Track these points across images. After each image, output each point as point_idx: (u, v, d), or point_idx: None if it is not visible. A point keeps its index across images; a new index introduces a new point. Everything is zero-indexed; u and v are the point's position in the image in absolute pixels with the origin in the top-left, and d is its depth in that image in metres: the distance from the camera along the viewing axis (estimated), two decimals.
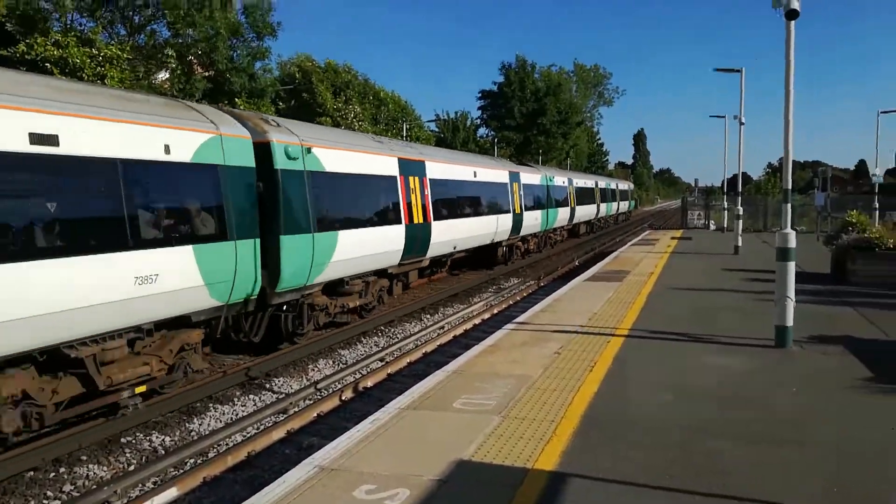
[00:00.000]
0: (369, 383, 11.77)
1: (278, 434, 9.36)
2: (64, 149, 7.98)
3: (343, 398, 10.94)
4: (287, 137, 12.43)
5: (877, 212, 32.43)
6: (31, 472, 7.85)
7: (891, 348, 10.24)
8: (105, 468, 8.24)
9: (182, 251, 9.69)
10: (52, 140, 7.85)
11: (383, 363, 12.94)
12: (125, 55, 24.13)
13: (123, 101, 9.41)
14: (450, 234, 19.76)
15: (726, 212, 38.18)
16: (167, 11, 26.03)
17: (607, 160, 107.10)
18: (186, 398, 10.33)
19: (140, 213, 9.13)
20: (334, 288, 14.26)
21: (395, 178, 16.82)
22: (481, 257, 25.66)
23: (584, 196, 42.93)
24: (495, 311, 18.68)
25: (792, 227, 10.39)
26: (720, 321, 12.02)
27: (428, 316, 17.95)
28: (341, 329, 14.95)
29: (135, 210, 9.01)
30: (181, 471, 8.13)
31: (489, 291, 22.35)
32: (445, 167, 20.40)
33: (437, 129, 62.90)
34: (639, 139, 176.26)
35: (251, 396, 11.00)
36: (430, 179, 18.70)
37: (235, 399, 10.83)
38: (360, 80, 47.72)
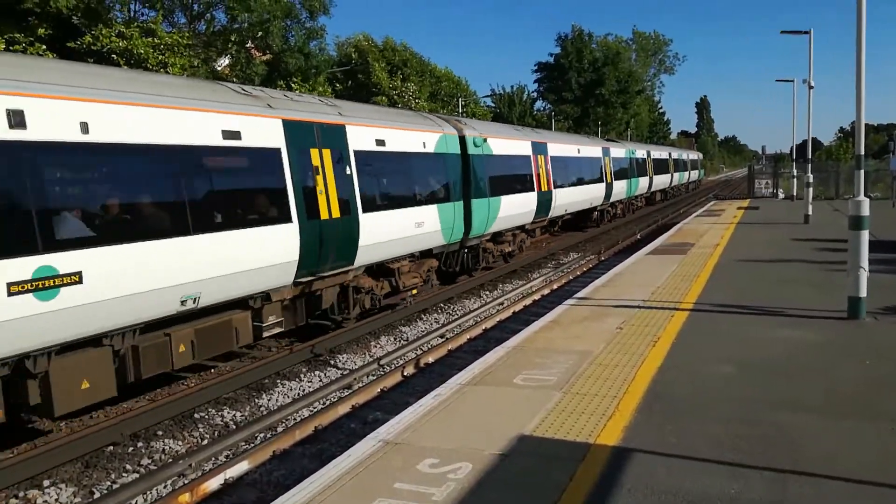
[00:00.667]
0: (430, 359, 11.90)
1: (344, 409, 9.57)
2: (390, 147, 13.77)
3: (405, 374, 11.10)
4: (473, 132, 17.68)
5: None
6: (112, 447, 8.25)
7: None
8: (180, 442, 8.60)
9: (432, 208, 15.11)
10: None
11: (444, 339, 13.05)
12: (185, 41, 24.70)
13: (403, 117, 15.49)
14: (565, 199, 24.65)
15: (795, 179, 36.81)
16: None
17: (669, 129, 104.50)
18: (255, 375, 10.66)
19: (416, 184, 14.78)
20: (496, 238, 19.58)
21: (529, 156, 21.62)
22: (581, 219, 30.61)
23: (660, 167, 46.49)
24: (555, 287, 18.57)
25: (866, 194, 9.97)
26: (789, 293, 11.66)
27: (487, 292, 17.98)
28: (398, 309, 15.14)
29: (414, 183, 14.72)
30: (252, 445, 8.42)
31: (548, 267, 22.21)
32: (560, 146, 25.24)
33: (493, 105, 62.44)
34: (702, 107, 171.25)
35: (317, 373, 11.27)
36: (550, 157, 23.40)
37: (302, 375, 11.11)
38: (417, 58, 47.68)
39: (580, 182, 27.21)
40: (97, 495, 7.19)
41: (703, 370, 7.54)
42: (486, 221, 17.81)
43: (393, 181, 13.98)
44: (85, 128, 7.59)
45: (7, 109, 6.89)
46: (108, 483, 7.54)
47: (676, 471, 5.09)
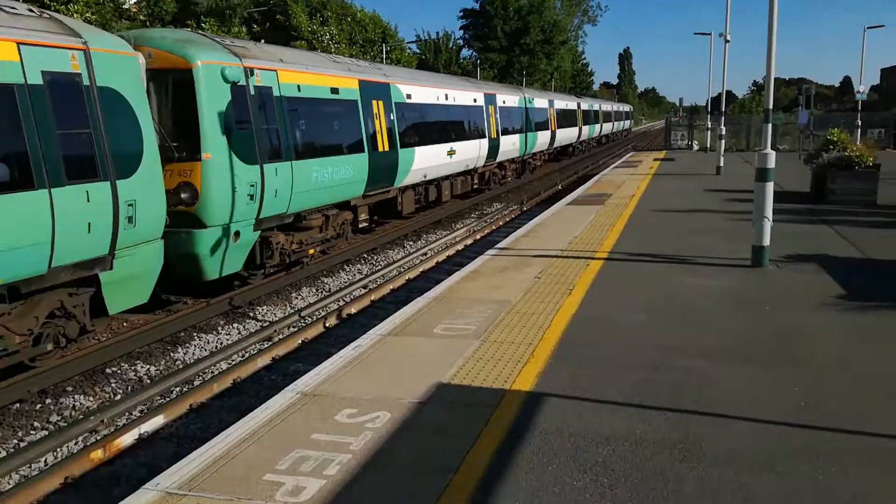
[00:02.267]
0: (353, 310, 11.88)
1: (263, 361, 9.48)
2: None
3: (327, 325, 11.06)
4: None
5: (858, 129, 32.40)
6: (18, 404, 7.94)
7: (864, 266, 10.44)
8: (91, 398, 8.35)
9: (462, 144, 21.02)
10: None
11: (367, 290, 13.03)
12: None
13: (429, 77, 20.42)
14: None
15: (709, 132, 38.01)
16: None
17: (592, 80, 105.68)
18: (170, 328, 10.39)
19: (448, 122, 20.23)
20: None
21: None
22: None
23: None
24: (478, 237, 18.75)
25: (774, 147, 10.38)
26: (698, 242, 12.14)
27: (411, 243, 17.99)
28: (329, 256, 14.97)
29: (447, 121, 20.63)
30: (167, 399, 8.26)
31: (472, 217, 22.36)
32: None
33: (418, 51, 61.47)
34: (624, 58, 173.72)
35: (235, 325, 11.09)
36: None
37: (220, 328, 10.91)
38: (339, 1, 46.20)
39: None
40: (3, 454, 6.93)
41: (615, 317, 7.80)
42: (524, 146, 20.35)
43: (426, 123, 19.65)
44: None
45: None
46: (15, 441, 7.27)
47: (587, 413, 5.29)
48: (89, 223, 8.17)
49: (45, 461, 6.85)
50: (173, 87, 10.93)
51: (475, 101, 24.85)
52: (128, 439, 7.20)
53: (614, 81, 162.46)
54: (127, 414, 7.84)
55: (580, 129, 45.96)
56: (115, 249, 8.62)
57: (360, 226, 16.30)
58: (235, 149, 11.16)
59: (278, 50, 14.45)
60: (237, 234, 11.31)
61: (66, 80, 8.11)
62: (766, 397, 5.60)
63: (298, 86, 13.30)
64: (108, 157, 8.47)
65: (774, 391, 5.72)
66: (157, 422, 7.59)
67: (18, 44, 7.56)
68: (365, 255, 16.11)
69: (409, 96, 18.91)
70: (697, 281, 9.42)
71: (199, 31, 14.29)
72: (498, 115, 27.00)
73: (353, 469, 4.50)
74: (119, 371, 9.10)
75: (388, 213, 18.59)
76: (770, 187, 10.09)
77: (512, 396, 5.62)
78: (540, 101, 35.30)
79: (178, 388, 8.58)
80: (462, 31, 73.42)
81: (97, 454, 6.86)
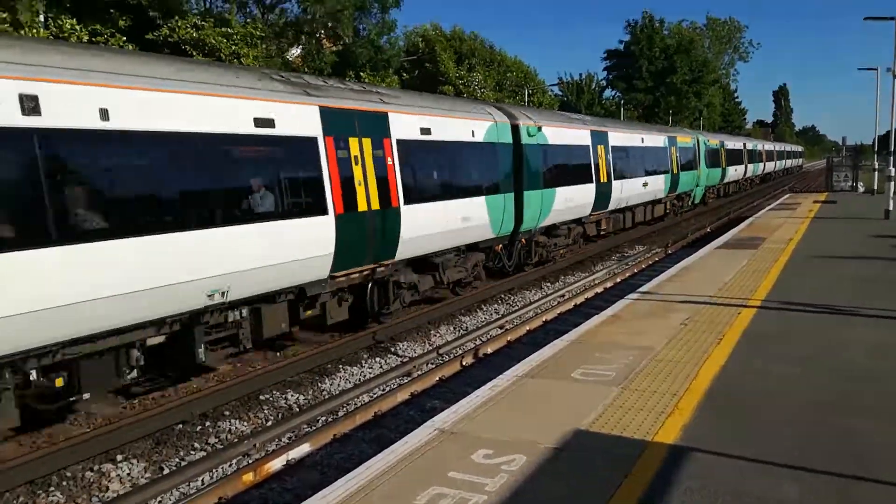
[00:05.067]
0: (489, 350, 11.93)
1: (402, 396, 9.71)
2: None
3: (464, 363, 11.17)
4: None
5: None
6: (181, 425, 8.60)
7: None
8: (245, 423, 8.90)
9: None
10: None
11: (503, 330, 13.06)
12: (258, 33, 25.29)
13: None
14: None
15: (877, 172, 35.10)
16: None
17: (745, 119, 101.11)
18: (318, 360, 10.91)
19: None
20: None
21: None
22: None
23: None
24: (618, 280, 18.29)
25: None
26: (866, 292, 11.18)
27: (548, 284, 17.86)
28: (462, 296, 15.20)
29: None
30: (313, 427, 8.64)
31: (612, 259, 21.90)
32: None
33: (560, 93, 61.70)
34: (780, 95, 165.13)
35: (377, 359, 11.46)
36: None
37: (363, 361, 11.31)
38: (486, 48, 47.49)
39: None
40: (166, 471, 7.52)
41: (769, 370, 7.32)
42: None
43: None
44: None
45: None
46: (177, 460, 7.87)
47: (736, 472, 4.98)
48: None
49: (203, 480, 7.35)
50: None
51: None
52: (277, 464, 7.58)
53: (769, 119, 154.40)
54: (276, 440, 8.27)
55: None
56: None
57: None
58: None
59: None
60: None
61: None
62: None
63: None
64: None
65: None
66: (303, 449, 7.94)
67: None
68: (502, 296, 16.17)
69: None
70: (865, 334, 8.66)
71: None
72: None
73: None
74: (271, 398, 9.65)
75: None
76: None
77: (654, 449, 5.40)
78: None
79: (323, 418, 8.96)
80: (605, 73, 72.98)
81: (248, 477, 7.27)
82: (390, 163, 11.70)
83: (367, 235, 11.14)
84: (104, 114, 7.34)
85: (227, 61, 22.72)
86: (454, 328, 13.56)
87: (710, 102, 76.87)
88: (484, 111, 15.82)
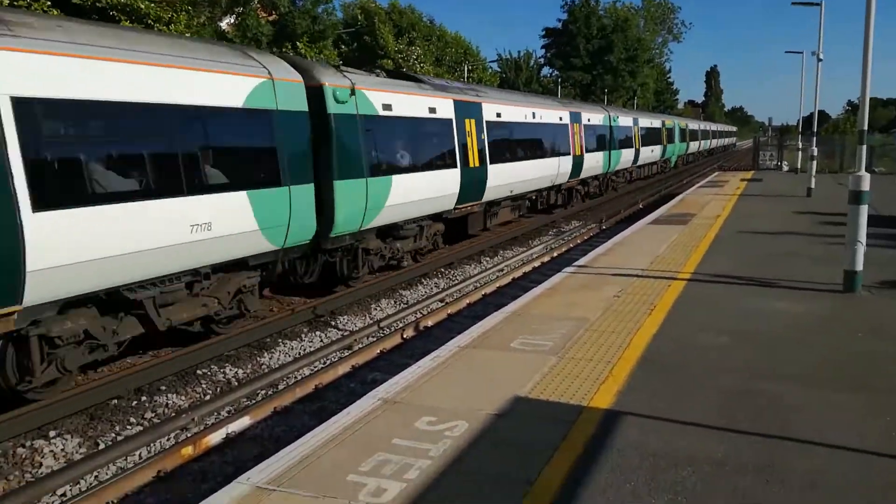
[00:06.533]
0: (430, 323, 12.06)
1: (343, 368, 9.75)
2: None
3: (404, 336, 11.26)
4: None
5: None
6: (115, 401, 8.43)
7: None
8: (183, 397, 8.79)
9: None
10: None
11: (443, 304, 13.20)
12: None
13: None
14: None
15: (800, 152, 36.64)
16: None
17: (676, 99, 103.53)
18: (257, 334, 10.82)
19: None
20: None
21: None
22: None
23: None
24: (555, 255, 18.67)
25: (870, 169, 9.99)
26: (787, 266, 11.75)
27: (487, 259, 18.09)
28: (407, 269, 15.25)
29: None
30: (253, 401, 8.61)
31: (549, 234, 22.29)
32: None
33: (499, 69, 61.83)
34: (711, 76, 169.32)
35: (318, 333, 11.44)
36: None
37: (303, 335, 11.28)
38: (425, 22, 47.11)
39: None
40: (102, 447, 7.38)
41: (698, 338, 7.67)
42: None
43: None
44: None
45: None
46: (113, 435, 7.73)
47: (666, 434, 5.24)
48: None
49: (140, 455, 7.25)
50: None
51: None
52: (216, 438, 7.54)
53: (700, 100, 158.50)
54: (215, 414, 8.21)
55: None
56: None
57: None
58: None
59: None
60: None
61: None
62: (855, 425, 5.40)
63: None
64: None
65: (863, 419, 5.51)
66: (243, 422, 7.91)
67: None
68: (442, 270, 16.30)
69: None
70: (785, 305, 9.13)
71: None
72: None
73: (433, 474, 4.61)
74: (209, 373, 9.54)
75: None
76: (864, 210, 9.71)
77: (590, 413, 5.62)
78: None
79: (263, 391, 8.93)
80: (544, 51, 73.46)
81: (188, 450, 7.21)
82: None
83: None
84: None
85: (155, 28, 21.90)
86: (395, 302, 13.62)
87: (645, 83, 78.38)
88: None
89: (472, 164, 17.12)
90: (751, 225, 16.81)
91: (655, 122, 43.34)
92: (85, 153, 8.00)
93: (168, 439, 7.60)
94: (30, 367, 7.71)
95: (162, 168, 8.89)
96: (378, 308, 13.12)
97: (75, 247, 7.56)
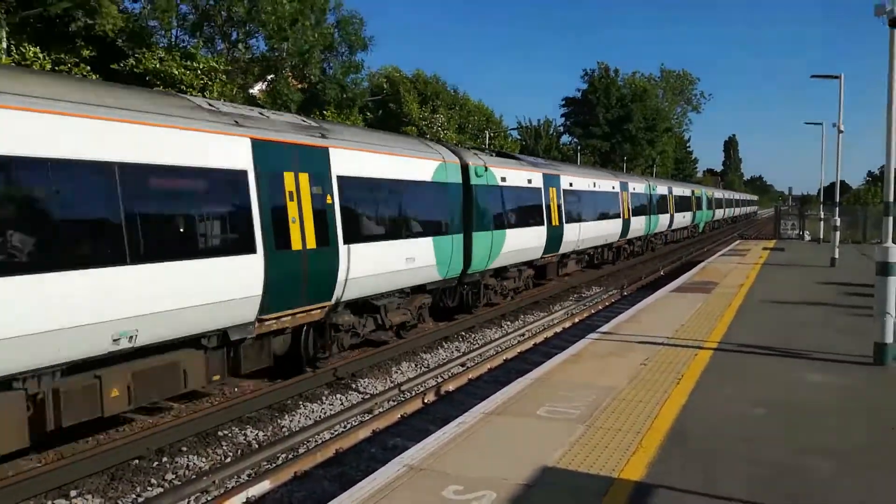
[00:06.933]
0: (451, 387, 11.94)
1: (364, 433, 9.64)
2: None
3: (425, 401, 11.15)
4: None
5: None
6: (137, 461, 8.38)
7: None
8: (203, 459, 8.71)
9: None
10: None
11: (464, 368, 13.09)
12: (222, 67, 25.32)
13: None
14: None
15: (823, 222, 36.51)
16: (262, 27, 27.18)
17: (696, 168, 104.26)
18: (278, 395, 10.77)
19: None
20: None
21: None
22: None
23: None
24: (577, 320, 18.55)
25: (894, 240, 9.94)
26: (814, 336, 11.59)
27: (508, 323, 18.01)
28: (424, 333, 15.21)
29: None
30: (273, 464, 8.51)
31: (570, 300, 22.20)
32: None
33: (519, 137, 62.89)
34: (730, 145, 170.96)
35: (338, 396, 11.36)
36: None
37: (324, 398, 11.20)
38: (449, 91, 48.32)
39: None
40: None
41: (727, 410, 7.53)
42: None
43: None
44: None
45: None
46: (134, 496, 7.65)
47: None
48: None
49: None
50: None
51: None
52: (236, 502, 7.43)
53: (718, 168, 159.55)
54: (236, 477, 8.12)
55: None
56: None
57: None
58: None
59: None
60: None
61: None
62: None
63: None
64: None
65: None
66: (263, 486, 7.80)
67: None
68: (463, 333, 16.24)
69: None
70: (815, 377, 8.97)
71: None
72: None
73: None
74: (230, 434, 9.47)
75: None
76: (892, 281, 9.61)
77: (621, 485, 5.50)
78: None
79: (283, 455, 8.82)
80: (563, 119, 74.72)
81: None
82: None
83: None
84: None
85: (188, 93, 22.66)
86: (415, 365, 13.54)
87: (664, 150, 79.20)
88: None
89: (554, 224, 21.32)
90: (775, 294, 16.65)
91: (686, 191, 48.13)
92: (365, 210, 12.61)
93: (188, 502, 7.50)
94: (324, 345, 11.92)
95: (394, 221, 13.47)
96: (399, 371, 13.04)
97: (361, 266, 11.93)
